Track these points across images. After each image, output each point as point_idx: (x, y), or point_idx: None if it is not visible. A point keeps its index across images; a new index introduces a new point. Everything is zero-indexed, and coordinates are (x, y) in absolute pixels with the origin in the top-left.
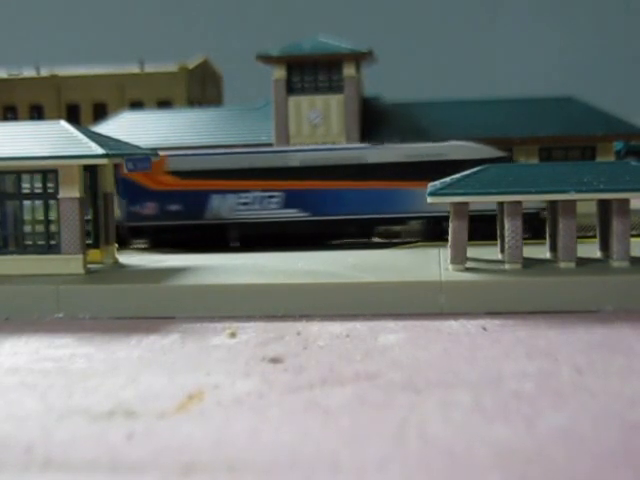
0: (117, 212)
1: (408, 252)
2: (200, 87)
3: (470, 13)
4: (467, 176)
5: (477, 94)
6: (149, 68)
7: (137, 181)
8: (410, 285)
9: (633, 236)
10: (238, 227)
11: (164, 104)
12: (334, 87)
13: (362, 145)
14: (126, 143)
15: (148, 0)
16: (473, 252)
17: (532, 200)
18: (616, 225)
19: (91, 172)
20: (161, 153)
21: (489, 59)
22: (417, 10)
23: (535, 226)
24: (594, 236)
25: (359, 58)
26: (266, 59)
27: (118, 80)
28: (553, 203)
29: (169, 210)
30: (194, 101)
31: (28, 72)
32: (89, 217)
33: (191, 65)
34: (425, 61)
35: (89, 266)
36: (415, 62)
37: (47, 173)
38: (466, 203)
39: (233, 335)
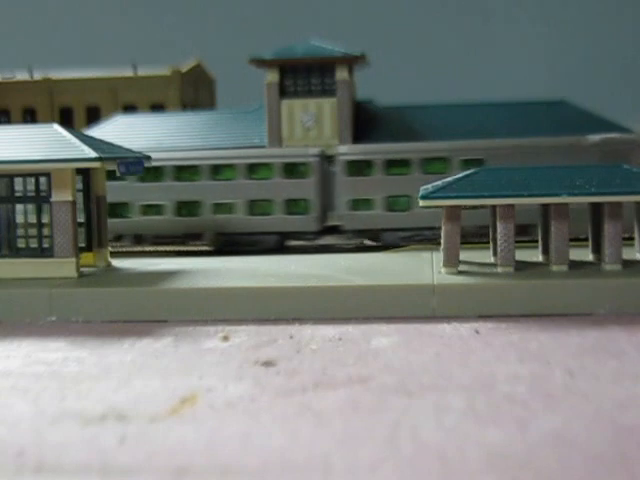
0: None
1: (401, 255)
2: (193, 90)
3: (463, 17)
4: (459, 179)
5: (472, 97)
6: (142, 71)
7: None
8: (403, 288)
9: (625, 239)
10: None
11: (157, 107)
12: (327, 90)
13: None
14: (119, 146)
15: (141, 3)
16: (466, 255)
17: (524, 203)
18: (608, 228)
19: (84, 175)
20: None
21: (484, 61)
22: (411, 13)
23: None
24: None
25: (352, 62)
26: (259, 62)
27: (111, 83)
28: (545, 206)
29: None
30: (187, 104)
31: (21, 75)
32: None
33: (184, 69)
34: (420, 64)
35: (82, 269)
36: (409, 65)
37: (40, 176)
38: (458, 206)
39: (226, 339)
